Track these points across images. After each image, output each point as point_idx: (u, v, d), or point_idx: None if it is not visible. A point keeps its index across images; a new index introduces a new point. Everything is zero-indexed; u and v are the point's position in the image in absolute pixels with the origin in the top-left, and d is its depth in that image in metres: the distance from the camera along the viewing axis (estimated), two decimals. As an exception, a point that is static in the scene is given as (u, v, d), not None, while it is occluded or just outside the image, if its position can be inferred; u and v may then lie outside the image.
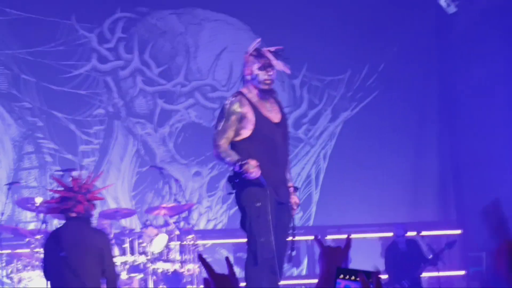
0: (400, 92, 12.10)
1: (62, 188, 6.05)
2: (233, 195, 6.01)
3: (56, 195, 6.04)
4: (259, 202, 5.78)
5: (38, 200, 8.74)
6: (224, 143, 5.86)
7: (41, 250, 8.39)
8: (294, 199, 6.08)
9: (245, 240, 5.96)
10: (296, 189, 6.19)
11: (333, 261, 2.09)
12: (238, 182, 5.86)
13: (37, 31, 11.06)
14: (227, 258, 2.21)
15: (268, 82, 5.94)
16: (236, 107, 5.90)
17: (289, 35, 10.87)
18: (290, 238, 5.95)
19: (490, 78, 11.32)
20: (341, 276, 2.00)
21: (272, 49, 6.00)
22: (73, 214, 5.95)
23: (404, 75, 12.15)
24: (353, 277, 2.00)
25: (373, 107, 12.10)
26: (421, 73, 12.30)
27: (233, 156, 5.79)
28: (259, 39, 6.06)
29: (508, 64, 11.16)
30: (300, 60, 11.40)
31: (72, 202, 5.91)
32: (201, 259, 2.17)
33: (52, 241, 6.03)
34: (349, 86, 12.13)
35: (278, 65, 5.93)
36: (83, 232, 5.95)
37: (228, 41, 11.78)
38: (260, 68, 5.92)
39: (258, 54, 5.93)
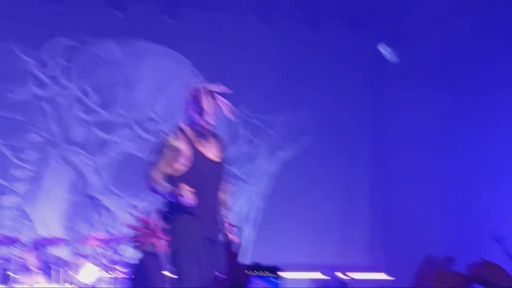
0: (335, 133, 12.27)
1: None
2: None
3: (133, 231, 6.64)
4: (184, 240, 5.77)
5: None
6: (157, 175, 5.85)
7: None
8: (233, 238, 6.07)
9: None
10: (234, 228, 6.17)
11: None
12: (167, 216, 5.87)
13: (-26, 52, 10.90)
14: None
15: (205, 127, 5.92)
16: (172, 142, 5.88)
17: (229, 71, 10.95)
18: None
19: (421, 121, 11.58)
20: (253, 272, 2.05)
21: (219, 90, 5.95)
22: (145, 248, 6.31)
23: (340, 117, 12.33)
24: (259, 272, 2.07)
25: (308, 148, 12.23)
26: (356, 116, 12.51)
27: (167, 186, 5.78)
28: (203, 82, 6.03)
29: (439, 109, 11.43)
30: (239, 97, 11.45)
31: (144, 238, 6.36)
32: None
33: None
34: (286, 125, 12.24)
35: (224, 108, 5.89)
36: (146, 266, 6.42)
37: (169, 74, 11.79)
38: (198, 113, 5.90)
39: (198, 97, 5.89)
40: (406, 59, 11.97)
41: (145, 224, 6.50)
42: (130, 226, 6.65)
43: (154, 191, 5.86)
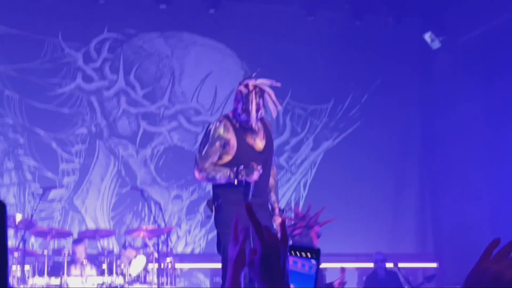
0: (382, 124, 12.18)
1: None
2: (212, 220, 6.03)
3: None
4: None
5: (18, 217, 8.69)
6: (209, 166, 5.87)
7: (16, 268, 8.36)
8: (277, 220, 6.07)
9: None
10: (281, 211, 6.19)
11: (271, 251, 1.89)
12: (217, 206, 5.88)
13: (23, 48, 11.03)
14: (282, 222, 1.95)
15: (249, 123, 5.92)
16: (220, 132, 5.90)
17: (274, 62, 10.94)
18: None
19: (470, 113, 11.44)
20: (292, 253, 2.06)
21: (268, 83, 5.95)
22: (302, 240, 7.19)
23: (387, 107, 12.26)
24: (299, 253, 2.07)
25: (355, 138, 12.18)
26: (403, 106, 12.42)
27: (225, 169, 5.80)
28: (254, 74, 6.02)
29: (488, 101, 11.28)
30: (284, 88, 11.41)
31: (291, 227, 7.10)
32: (250, 211, 1.87)
33: None
34: (331, 115, 12.21)
35: (270, 104, 5.91)
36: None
37: (214, 66, 11.82)
38: (244, 110, 5.90)
39: (246, 91, 5.89)
40: (454, 49, 11.82)
41: (298, 215, 7.14)
42: (284, 218, 7.18)
43: (209, 179, 5.88)
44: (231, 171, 5.75)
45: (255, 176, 5.74)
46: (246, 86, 5.91)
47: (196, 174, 5.90)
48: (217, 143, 5.86)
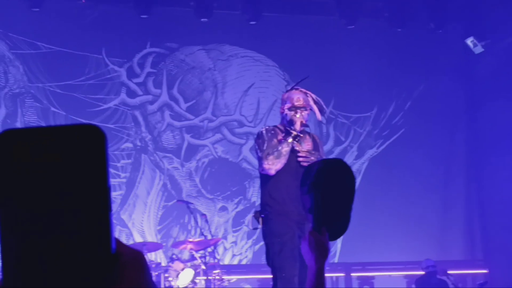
0: (427, 130, 12.09)
1: None
2: (259, 230, 6.05)
3: None
4: (282, 237, 5.80)
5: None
6: (269, 158, 5.91)
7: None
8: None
9: (269, 276, 5.98)
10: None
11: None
12: (264, 217, 5.90)
13: (68, 65, 11.19)
14: None
15: (294, 125, 5.94)
16: (272, 133, 5.99)
17: (316, 72, 10.92)
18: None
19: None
20: None
21: (313, 96, 6.03)
22: None
23: (431, 113, 12.17)
24: None
25: (399, 144, 12.11)
26: (447, 112, 12.32)
27: (283, 142, 5.89)
28: (301, 79, 6.10)
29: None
30: (327, 97, 11.42)
31: None
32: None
33: None
34: (375, 123, 12.16)
35: (316, 110, 5.98)
36: None
37: (256, 77, 11.87)
38: (289, 109, 5.95)
39: (291, 98, 5.97)
40: (498, 53, 11.69)
41: None
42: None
43: (278, 159, 5.90)
44: (281, 138, 5.88)
45: (298, 123, 5.84)
46: (290, 90, 6.07)
47: (264, 164, 5.88)
48: (275, 140, 5.94)
